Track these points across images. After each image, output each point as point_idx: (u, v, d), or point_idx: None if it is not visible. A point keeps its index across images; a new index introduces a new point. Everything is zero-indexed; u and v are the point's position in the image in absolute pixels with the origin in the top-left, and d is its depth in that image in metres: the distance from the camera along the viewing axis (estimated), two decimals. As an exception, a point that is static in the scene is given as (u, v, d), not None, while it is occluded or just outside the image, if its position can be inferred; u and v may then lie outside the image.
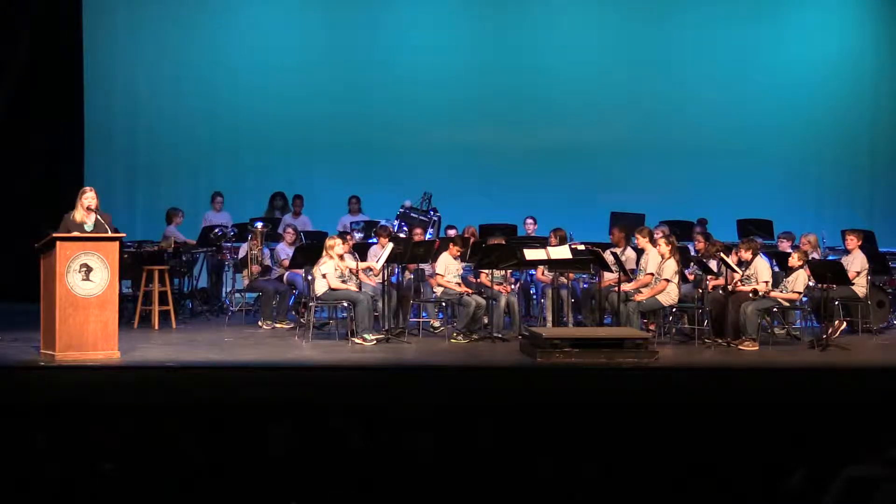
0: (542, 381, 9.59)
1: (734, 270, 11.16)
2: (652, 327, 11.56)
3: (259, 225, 12.81)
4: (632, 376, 9.72)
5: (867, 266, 11.84)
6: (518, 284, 12.54)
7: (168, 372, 9.43)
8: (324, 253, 11.27)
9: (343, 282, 11.34)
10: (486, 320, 11.59)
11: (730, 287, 11.16)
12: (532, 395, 8.88)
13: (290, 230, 12.77)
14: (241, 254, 12.80)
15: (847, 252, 12.09)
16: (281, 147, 15.82)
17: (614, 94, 16.17)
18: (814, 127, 16.27)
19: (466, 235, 12.86)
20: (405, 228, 13.41)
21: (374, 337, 11.08)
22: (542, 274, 12.34)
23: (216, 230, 13.39)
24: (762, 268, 11.23)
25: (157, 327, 12.03)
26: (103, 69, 15.39)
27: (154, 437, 5.77)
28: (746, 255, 11.23)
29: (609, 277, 11.50)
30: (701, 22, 16.30)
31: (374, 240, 12.53)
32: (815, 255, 12.12)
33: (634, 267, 11.83)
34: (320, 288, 11.19)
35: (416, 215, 13.74)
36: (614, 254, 11.53)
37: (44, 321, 9.72)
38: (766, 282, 11.12)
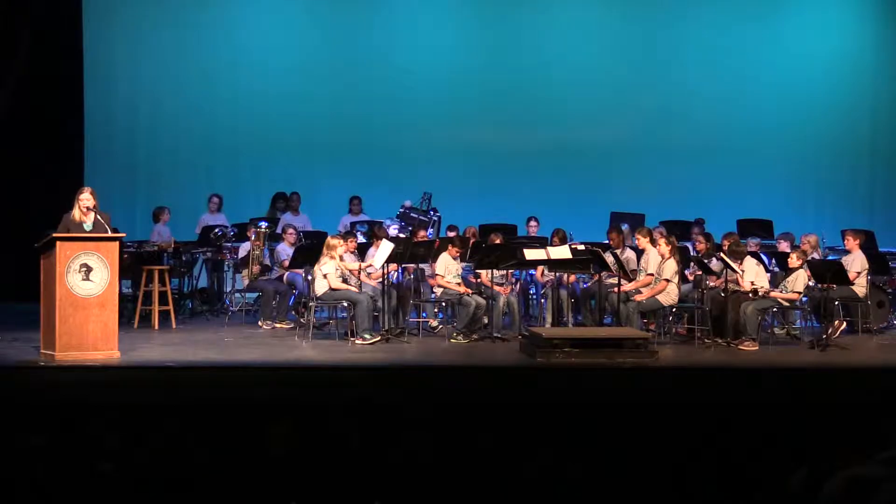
0: (542, 381, 9.59)
1: (734, 271, 11.17)
2: (652, 327, 11.57)
3: (263, 225, 12.84)
4: (632, 376, 9.72)
5: (867, 266, 11.84)
6: (518, 284, 12.53)
7: (168, 372, 9.43)
8: (325, 252, 11.28)
9: (343, 281, 11.35)
10: (486, 320, 11.59)
11: (729, 287, 11.16)
12: (532, 395, 8.88)
13: (291, 231, 12.77)
14: (242, 254, 12.80)
15: (847, 252, 12.09)
16: (281, 147, 15.82)
17: (614, 95, 16.18)
18: (814, 127, 16.28)
19: (467, 236, 12.87)
20: (407, 228, 13.41)
21: (373, 337, 11.09)
22: (542, 274, 12.35)
23: (216, 230, 13.41)
24: (748, 268, 11.24)
25: (157, 327, 12.03)
26: (103, 69, 15.41)
27: (154, 437, 5.76)
28: (739, 266, 11.22)
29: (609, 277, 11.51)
30: (701, 22, 16.32)
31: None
32: (816, 256, 12.12)
33: (635, 267, 11.84)
34: (320, 288, 11.19)
35: (416, 215, 13.74)
36: (615, 254, 11.53)
37: (44, 321, 9.72)
38: (752, 282, 11.13)
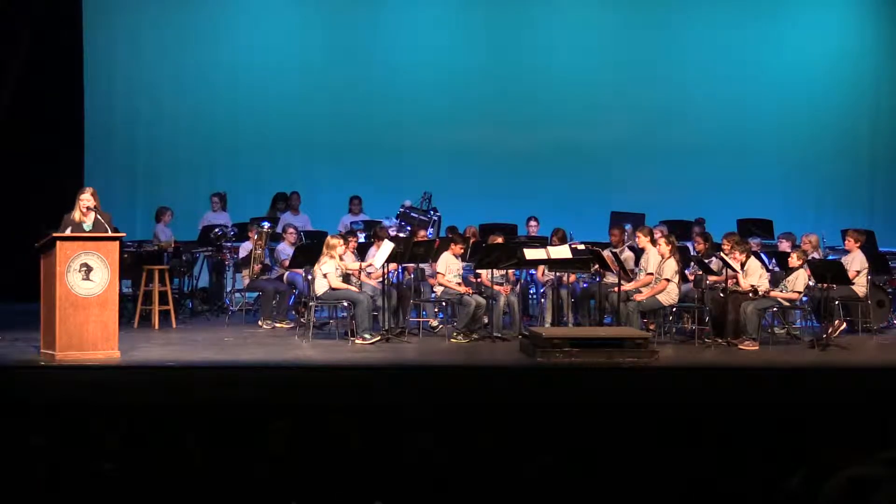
0: (542, 381, 9.59)
1: (734, 270, 11.16)
2: (652, 327, 11.56)
3: (266, 225, 12.84)
4: (632, 376, 9.72)
5: (867, 266, 11.84)
6: (518, 284, 12.53)
7: (168, 372, 9.43)
8: (325, 251, 11.28)
9: (344, 280, 11.35)
10: (486, 320, 11.59)
11: (728, 286, 11.16)
12: (532, 395, 8.88)
13: (291, 230, 12.77)
14: (242, 253, 12.81)
15: (847, 252, 12.08)
16: (281, 147, 15.83)
17: (614, 95, 16.18)
18: (814, 127, 16.28)
19: (467, 235, 12.86)
20: (406, 228, 13.41)
21: (373, 337, 11.09)
22: (543, 274, 12.35)
23: (216, 230, 13.41)
24: (752, 269, 11.24)
25: (157, 327, 12.03)
26: (103, 69, 15.41)
27: (154, 437, 5.76)
28: (740, 258, 11.22)
29: (608, 277, 11.51)
30: (700, 22, 16.32)
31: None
32: (816, 256, 12.12)
33: (634, 267, 11.84)
34: (320, 288, 11.19)
35: (416, 215, 13.74)
36: (614, 253, 11.53)
37: (44, 321, 9.71)
38: (753, 285, 11.12)
